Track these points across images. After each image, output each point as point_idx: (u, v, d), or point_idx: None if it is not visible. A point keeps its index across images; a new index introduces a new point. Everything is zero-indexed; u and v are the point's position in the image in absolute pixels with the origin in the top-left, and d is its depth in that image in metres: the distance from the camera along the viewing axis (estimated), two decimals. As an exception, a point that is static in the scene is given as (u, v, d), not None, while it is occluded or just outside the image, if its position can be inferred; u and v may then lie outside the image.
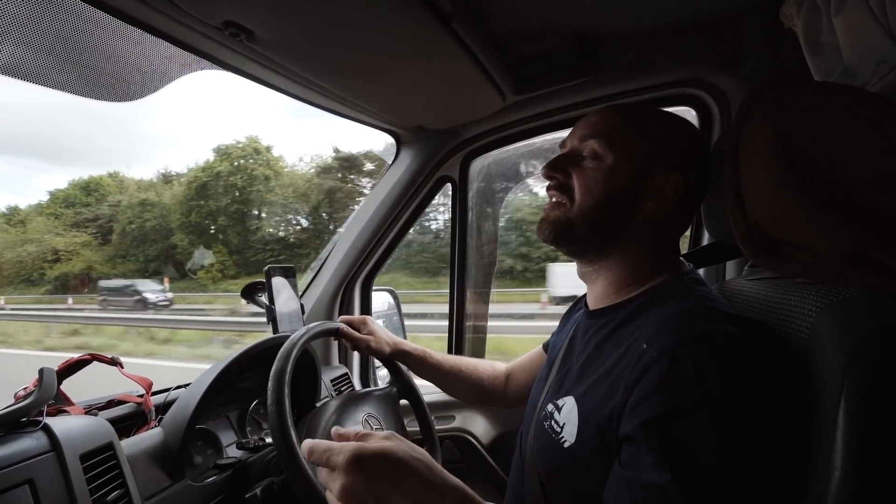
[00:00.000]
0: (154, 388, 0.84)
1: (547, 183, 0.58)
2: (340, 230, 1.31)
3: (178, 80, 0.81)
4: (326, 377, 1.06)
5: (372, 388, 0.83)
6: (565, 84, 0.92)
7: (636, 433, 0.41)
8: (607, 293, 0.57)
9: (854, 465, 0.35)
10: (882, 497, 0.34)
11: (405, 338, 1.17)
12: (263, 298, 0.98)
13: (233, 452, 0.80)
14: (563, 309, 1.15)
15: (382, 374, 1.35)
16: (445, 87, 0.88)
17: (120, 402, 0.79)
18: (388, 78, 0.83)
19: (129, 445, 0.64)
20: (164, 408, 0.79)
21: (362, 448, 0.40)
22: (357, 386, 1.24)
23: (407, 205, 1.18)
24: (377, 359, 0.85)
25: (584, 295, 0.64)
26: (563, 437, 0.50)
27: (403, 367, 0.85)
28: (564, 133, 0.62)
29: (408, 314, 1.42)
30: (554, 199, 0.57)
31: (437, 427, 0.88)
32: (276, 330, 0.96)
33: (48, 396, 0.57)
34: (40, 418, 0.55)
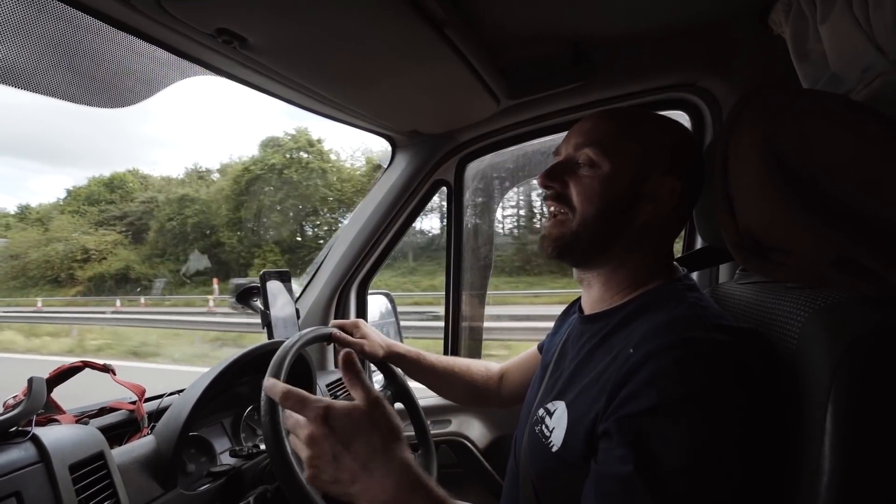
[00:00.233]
0: (147, 395, 0.83)
1: (544, 192, 0.58)
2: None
3: (173, 86, 0.81)
4: (322, 382, 1.05)
5: None
6: (559, 88, 0.93)
7: (612, 428, 0.42)
8: (603, 297, 0.58)
9: (842, 468, 0.35)
10: (870, 499, 0.35)
11: (402, 341, 1.17)
12: (258, 303, 0.98)
13: (226, 460, 0.79)
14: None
15: (379, 379, 1.34)
16: (440, 92, 0.89)
17: (112, 410, 0.78)
18: (382, 84, 0.83)
19: (121, 454, 0.63)
20: (157, 415, 0.79)
21: (333, 403, 0.44)
22: (353, 391, 1.23)
23: (402, 209, 1.18)
24: (371, 362, 0.84)
25: (579, 298, 0.64)
26: (551, 441, 0.51)
27: (398, 371, 0.85)
28: (559, 137, 0.62)
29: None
30: (553, 213, 0.57)
31: (432, 431, 0.88)
32: (270, 335, 0.95)
33: (37, 406, 0.56)
34: (29, 428, 0.55)
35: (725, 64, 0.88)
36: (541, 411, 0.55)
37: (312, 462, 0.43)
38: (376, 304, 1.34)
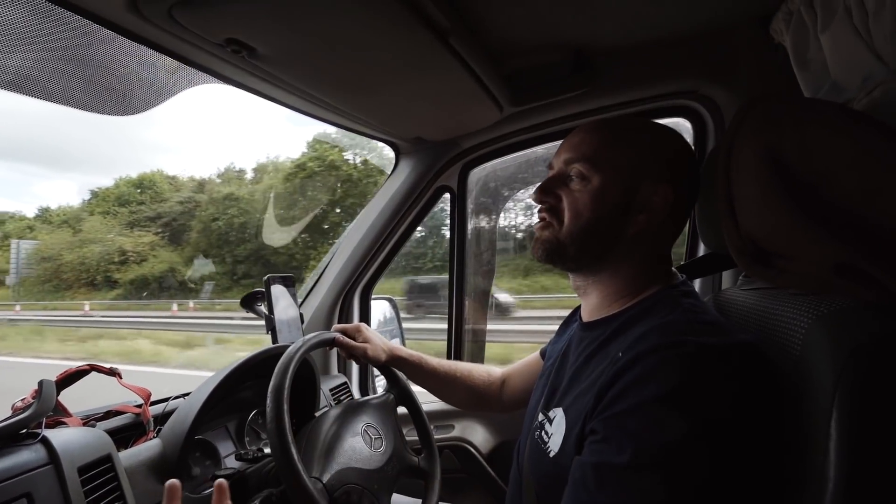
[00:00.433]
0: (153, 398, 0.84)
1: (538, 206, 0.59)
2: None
3: (181, 94, 0.83)
4: (325, 386, 1.06)
5: (370, 396, 0.83)
6: (561, 96, 0.94)
7: (598, 427, 0.44)
8: (601, 305, 0.58)
9: (848, 474, 0.35)
10: None
11: (404, 345, 1.18)
12: (262, 308, 0.98)
13: (231, 463, 0.79)
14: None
15: (382, 383, 1.34)
16: (443, 99, 0.90)
17: (118, 413, 0.79)
18: (387, 92, 0.84)
19: (128, 457, 0.64)
20: (162, 418, 0.79)
21: None
22: (356, 395, 1.24)
23: (406, 214, 1.19)
24: (374, 366, 0.85)
25: (580, 306, 0.65)
26: (549, 447, 0.51)
27: (401, 375, 0.85)
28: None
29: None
30: (541, 217, 0.58)
31: (436, 436, 0.88)
32: (275, 339, 0.96)
33: (47, 408, 0.57)
34: (39, 430, 0.55)
35: (727, 72, 0.88)
36: (541, 417, 0.56)
37: None
38: (379, 309, 1.35)
